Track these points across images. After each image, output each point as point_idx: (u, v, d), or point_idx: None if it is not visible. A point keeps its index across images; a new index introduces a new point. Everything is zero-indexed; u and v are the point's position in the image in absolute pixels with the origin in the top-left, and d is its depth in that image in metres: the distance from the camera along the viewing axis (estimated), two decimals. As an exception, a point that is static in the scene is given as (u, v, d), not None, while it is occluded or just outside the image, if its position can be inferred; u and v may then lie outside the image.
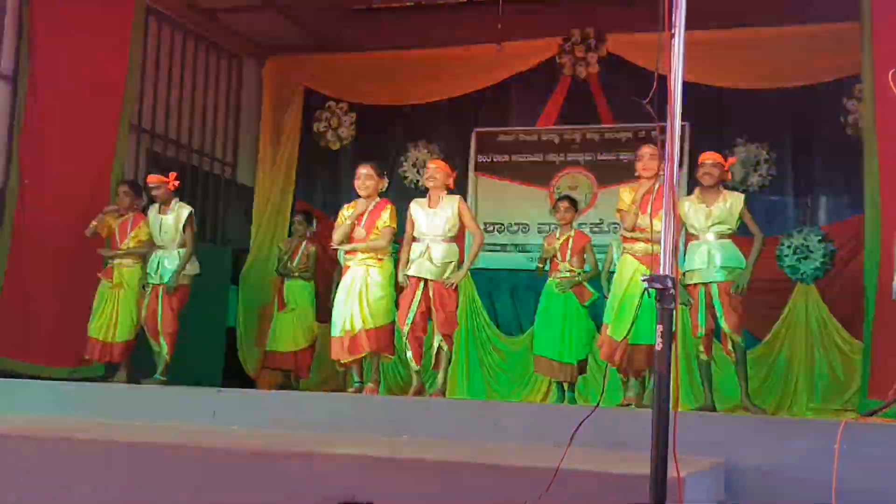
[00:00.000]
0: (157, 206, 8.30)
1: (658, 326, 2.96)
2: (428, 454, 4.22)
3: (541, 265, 8.29)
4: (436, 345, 7.10)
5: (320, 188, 11.43)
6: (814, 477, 4.31)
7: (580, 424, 3.39)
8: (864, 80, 7.90)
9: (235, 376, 10.40)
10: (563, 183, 10.44)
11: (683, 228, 6.88)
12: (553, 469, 3.43)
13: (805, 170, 9.81)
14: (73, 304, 8.24)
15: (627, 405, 6.88)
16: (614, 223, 8.41)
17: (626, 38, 10.08)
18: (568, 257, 8.05)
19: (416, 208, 7.30)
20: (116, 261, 8.22)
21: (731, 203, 6.81)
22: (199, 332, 9.75)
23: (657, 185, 6.78)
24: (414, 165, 10.98)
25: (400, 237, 7.51)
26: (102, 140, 9.08)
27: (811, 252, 9.36)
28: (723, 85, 9.79)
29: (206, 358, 10.17)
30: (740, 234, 6.97)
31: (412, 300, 7.09)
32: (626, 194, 7.07)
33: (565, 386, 8.04)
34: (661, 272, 2.98)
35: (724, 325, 6.68)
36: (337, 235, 7.39)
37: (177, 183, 8.27)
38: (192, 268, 8.21)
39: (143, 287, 8.21)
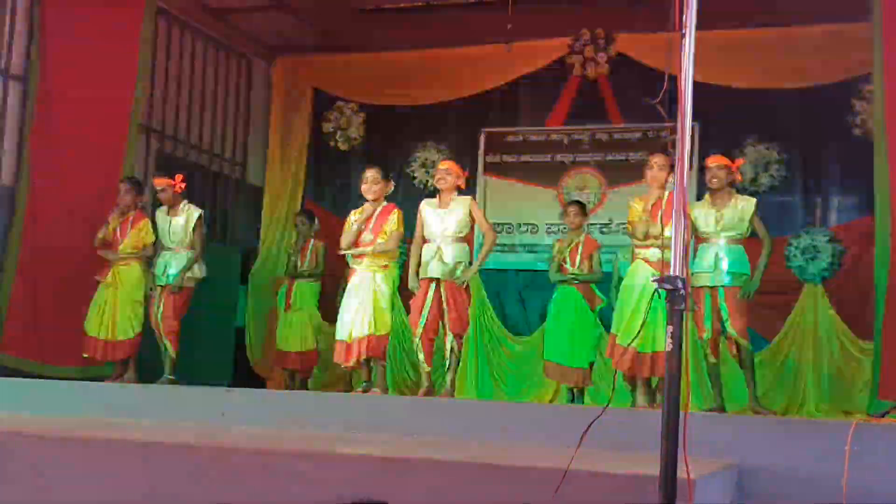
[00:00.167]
0: (165, 208, 8.29)
1: (668, 327, 2.96)
2: (438, 454, 4.21)
3: (554, 270, 8.26)
4: (448, 345, 7.08)
5: (329, 188, 11.44)
6: (825, 478, 4.30)
7: (590, 425, 3.38)
8: (873, 80, 7.89)
9: (244, 376, 10.42)
10: (572, 183, 10.43)
11: (693, 232, 6.84)
12: (563, 470, 3.42)
13: (814, 170, 9.79)
14: (82, 304, 8.24)
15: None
16: (623, 223, 8.39)
17: (636, 38, 10.07)
18: (578, 262, 8.05)
19: (427, 209, 7.26)
20: (114, 259, 8.17)
21: (743, 207, 6.77)
22: (209, 332, 9.80)
23: (666, 193, 6.75)
24: (423, 166, 10.98)
25: (409, 238, 7.50)
26: (112, 140, 9.10)
27: (819, 252, 9.33)
28: (732, 85, 9.77)
29: (216, 357, 10.21)
30: (749, 236, 6.94)
31: (424, 302, 7.07)
32: (636, 204, 7.03)
33: (574, 391, 8.04)
34: (672, 273, 2.98)
35: (730, 328, 6.65)
36: (344, 241, 7.38)
37: (183, 185, 8.26)
38: (199, 271, 8.19)
39: (151, 289, 8.19)
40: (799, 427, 5.54)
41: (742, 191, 7.73)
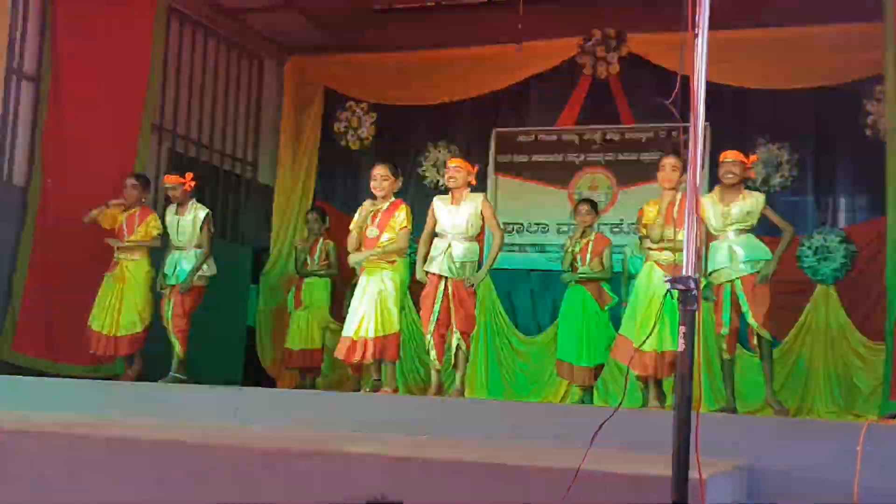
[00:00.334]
0: (174, 206, 8.30)
1: (680, 328, 2.96)
2: (449, 454, 4.22)
3: (566, 271, 8.26)
4: (454, 344, 7.08)
5: (340, 188, 11.44)
6: (836, 479, 4.30)
7: (601, 425, 3.38)
8: (886, 80, 7.86)
9: (255, 375, 10.44)
10: (583, 183, 10.43)
11: (704, 227, 6.80)
12: (574, 470, 3.42)
13: (826, 171, 9.77)
14: (93, 303, 8.26)
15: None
16: (634, 223, 8.38)
17: (648, 38, 10.07)
18: (588, 260, 8.05)
19: (439, 205, 7.26)
20: (122, 255, 8.16)
21: (751, 204, 6.71)
22: (220, 332, 9.82)
23: (679, 195, 6.73)
24: (434, 165, 10.99)
25: (417, 236, 7.50)
26: (124, 140, 9.13)
27: (831, 253, 9.32)
28: (744, 85, 9.76)
29: (227, 357, 10.23)
30: (764, 234, 6.91)
31: (434, 299, 7.07)
32: (649, 209, 7.02)
33: (581, 390, 8.05)
34: (685, 273, 2.98)
35: (750, 320, 6.56)
36: (350, 245, 7.40)
37: (193, 184, 8.25)
38: (209, 269, 8.20)
39: (161, 289, 8.19)
40: (810, 428, 5.53)
41: (753, 190, 7.69)
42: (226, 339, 10.28)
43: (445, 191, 7.61)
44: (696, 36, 3.06)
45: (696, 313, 2.96)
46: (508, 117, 10.90)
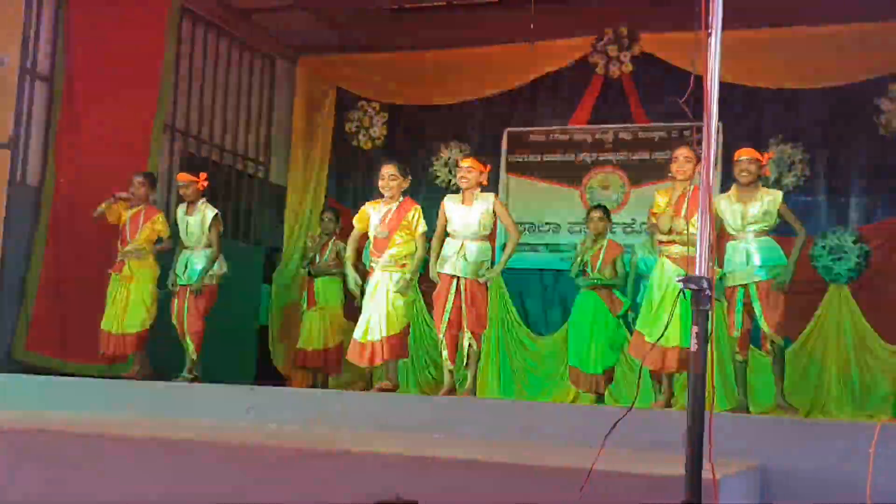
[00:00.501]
0: (184, 205, 8.28)
1: (693, 327, 2.95)
2: (461, 454, 4.22)
3: (575, 272, 8.25)
4: (465, 343, 7.06)
5: (352, 188, 11.44)
6: (849, 480, 4.28)
7: (615, 425, 3.38)
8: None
9: (268, 374, 10.46)
10: (595, 182, 10.42)
11: (719, 225, 6.74)
12: (587, 469, 3.42)
13: (840, 170, 9.73)
14: (104, 304, 8.27)
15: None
16: (646, 223, 8.36)
17: (660, 38, 10.05)
18: (599, 267, 8.02)
19: (451, 205, 7.22)
20: (127, 255, 8.11)
21: (769, 202, 6.65)
22: (232, 331, 9.83)
23: (691, 187, 6.68)
24: (445, 165, 10.99)
25: (429, 236, 7.48)
26: (137, 140, 9.15)
27: (846, 253, 9.29)
28: (756, 85, 9.74)
29: (239, 356, 10.25)
30: (779, 234, 6.89)
31: (447, 298, 7.05)
32: (660, 198, 6.95)
33: (593, 397, 8.04)
34: (697, 273, 2.97)
35: (763, 325, 6.54)
36: (350, 246, 7.44)
37: (206, 183, 8.24)
38: (220, 268, 8.19)
39: (172, 287, 8.18)
40: (823, 428, 5.51)
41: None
42: (238, 338, 10.29)
43: (457, 190, 7.59)
44: (709, 35, 3.05)
45: (709, 313, 2.95)
46: (520, 117, 10.89)
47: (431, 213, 7.48)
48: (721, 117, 3.15)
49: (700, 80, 3.06)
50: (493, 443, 5.00)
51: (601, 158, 10.45)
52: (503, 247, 10.26)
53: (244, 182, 11.16)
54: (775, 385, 6.75)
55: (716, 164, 3.14)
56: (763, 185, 6.91)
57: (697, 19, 3.05)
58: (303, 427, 5.61)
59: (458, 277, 7.05)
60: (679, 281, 2.97)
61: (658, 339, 6.44)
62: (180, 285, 8.12)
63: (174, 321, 8.14)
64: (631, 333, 7.46)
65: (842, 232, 9.42)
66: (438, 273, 7.16)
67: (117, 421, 5.65)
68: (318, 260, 9.67)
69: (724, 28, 3.07)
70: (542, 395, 9.81)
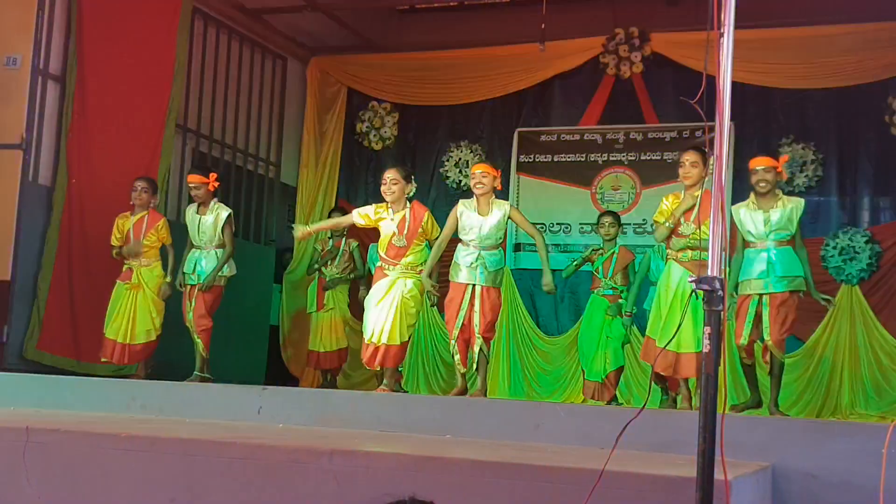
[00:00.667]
0: (195, 205, 8.22)
1: (706, 328, 2.95)
2: (473, 454, 4.22)
3: (571, 269, 8.26)
4: (476, 349, 7.02)
5: (363, 188, 11.45)
6: (861, 481, 4.27)
7: (626, 426, 3.37)
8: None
9: (278, 374, 10.47)
10: (606, 183, 10.41)
11: (739, 236, 6.66)
12: (599, 470, 3.41)
13: (851, 170, 9.72)
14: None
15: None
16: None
17: (671, 38, 10.04)
18: (610, 274, 8.00)
19: (466, 213, 7.10)
20: (134, 262, 8.08)
21: (792, 209, 6.55)
22: (243, 331, 9.85)
23: (700, 193, 6.58)
24: (456, 165, 10.99)
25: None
26: (149, 140, 9.17)
27: (857, 253, 9.26)
28: (768, 84, 9.72)
29: (250, 356, 10.26)
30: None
31: (460, 305, 7.01)
32: (665, 203, 6.85)
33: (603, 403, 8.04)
34: (710, 273, 2.96)
35: (767, 337, 6.49)
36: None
37: (217, 183, 8.16)
38: (229, 270, 8.15)
39: (180, 287, 8.16)
40: (834, 429, 5.49)
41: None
42: (249, 338, 10.31)
43: (467, 191, 7.56)
44: (721, 35, 3.04)
45: (722, 314, 2.95)
46: (531, 117, 10.90)
47: (442, 212, 7.47)
48: (732, 117, 3.14)
49: (712, 81, 3.06)
50: (504, 443, 5.00)
51: (612, 159, 10.44)
52: (514, 248, 10.35)
53: (255, 181, 11.17)
54: (770, 393, 6.69)
55: (727, 165, 3.13)
56: (781, 191, 6.85)
57: (709, 19, 3.04)
58: (313, 426, 5.61)
59: (474, 285, 7.03)
60: (692, 281, 2.96)
61: (667, 344, 6.42)
62: (189, 285, 8.09)
63: (186, 322, 8.11)
64: (643, 336, 7.45)
65: (853, 232, 9.40)
66: (452, 282, 7.12)
67: (129, 420, 5.66)
68: (330, 265, 9.64)
69: (735, 27, 3.06)
70: (553, 395, 9.82)
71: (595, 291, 8.15)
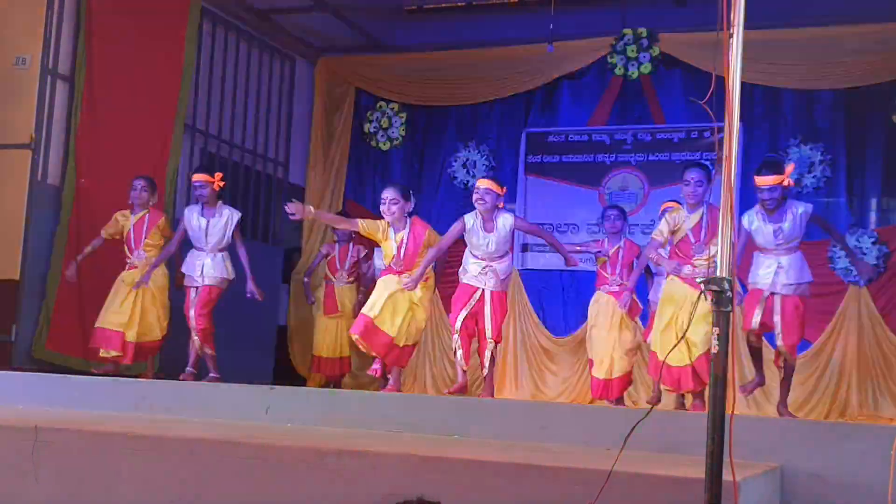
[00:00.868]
0: (198, 206, 8.03)
1: (714, 329, 2.95)
2: (479, 454, 4.22)
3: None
4: (488, 354, 7.01)
5: (370, 188, 11.45)
6: (870, 483, 4.27)
7: (634, 427, 3.37)
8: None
9: (286, 374, 10.47)
10: (614, 183, 10.40)
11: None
12: (607, 471, 3.41)
13: (859, 171, 9.70)
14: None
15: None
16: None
17: (680, 38, 10.04)
18: (618, 269, 7.96)
19: (471, 230, 7.04)
20: (139, 261, 7.98)
21: (801, 214, 6.53)
22: (251, 331, 9.85)
23: (704, 211, 6.62)
24: (464, 166, 10.99)
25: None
26: (157, 140, 9.19)
27: (864, 254, 9.24)
28: (776, 85, 9.71)
29: (258, 356, 10.27)
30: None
31: (466, 304, 7.01)
32: (664, 224, 6.82)
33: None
34: (718, 273, 2.96)
35: (779, 342, 6.50)
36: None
37: (222, 183, 8.02)
38: (230, 273, 7.98)
39: (178, 287, 8.10)
40: (843, 430, 5.48)
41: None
42: (257, 338, 10.32)
43: (473, 192, 7.50)
44: (730, 36, 3.04)
45: (731, 315, 2.95)
46: (539, 118, 10.90)
47: (450, 213, 7.45)
48: (740, 118, 3.13)
49: (721, 81, 3.05)
50: (511, 443, 5.00)
51: (620, 160, 10.43)
52: (522, 248, 10.36)
53: (263, 182, 11.19)
54: (780, 394, 6.70)
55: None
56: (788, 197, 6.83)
57: (718, 19, 3.04)
58: (320, 426, 5.61)
59: (483, 290, 7.03)
60: (701, 282, 2.96)
61: (666, 357, 6.43)
62: (190, 286, 7.99)
63: (189, 324, 8.06)
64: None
65: (861, 233, 9.38)
66: (461, 281, 7.12)
67: (137, 420, 5.67)
68: (339, 268, 9.59)
69: (744, 28, 3.06)
70: (560, 396, 9.82)
71: (602, 288, 8.07)
